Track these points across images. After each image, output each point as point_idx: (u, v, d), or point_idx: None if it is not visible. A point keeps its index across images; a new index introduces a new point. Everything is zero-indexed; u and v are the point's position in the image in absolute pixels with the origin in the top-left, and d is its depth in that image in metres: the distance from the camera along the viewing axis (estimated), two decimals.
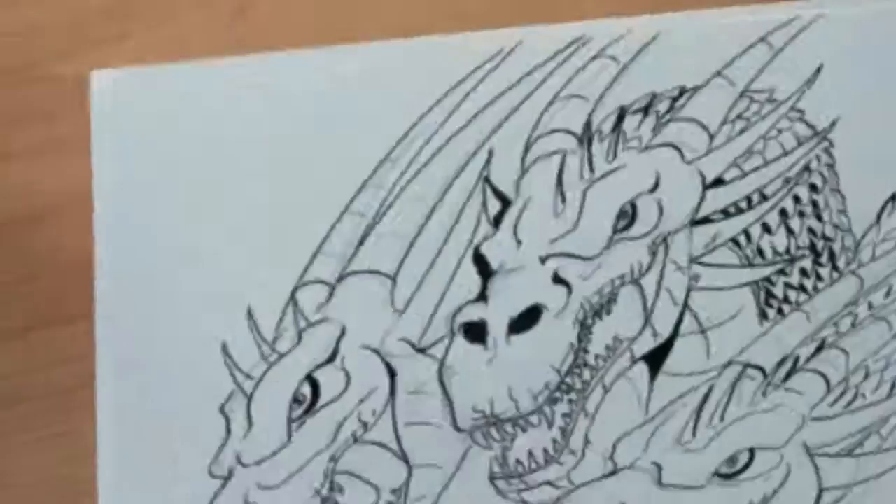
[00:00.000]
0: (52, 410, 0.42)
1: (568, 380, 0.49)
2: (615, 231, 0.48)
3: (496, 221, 0.46)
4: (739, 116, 0.47)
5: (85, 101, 0.40)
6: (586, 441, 0.50)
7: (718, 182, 0.48)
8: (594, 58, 0.45)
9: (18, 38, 0.39)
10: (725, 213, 0.48)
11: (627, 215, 0.47)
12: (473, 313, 0.47)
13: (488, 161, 0.45)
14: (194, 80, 0.40)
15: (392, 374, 0.47)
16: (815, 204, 0.49)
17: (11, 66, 0.39)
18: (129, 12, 0.40)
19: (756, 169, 0.48)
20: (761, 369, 0.50)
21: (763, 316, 0.50)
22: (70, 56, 0.40)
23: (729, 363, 0.50)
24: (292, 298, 0.44)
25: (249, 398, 0.45)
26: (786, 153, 0.48)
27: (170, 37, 0.40)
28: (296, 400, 0.46)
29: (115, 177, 0.41)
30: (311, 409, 0.46)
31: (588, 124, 0.46)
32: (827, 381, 0.52)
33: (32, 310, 0.41)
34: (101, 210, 0.41)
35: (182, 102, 0.40)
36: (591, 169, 0.47)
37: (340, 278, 0.45)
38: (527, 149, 0.45)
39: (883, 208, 0.50)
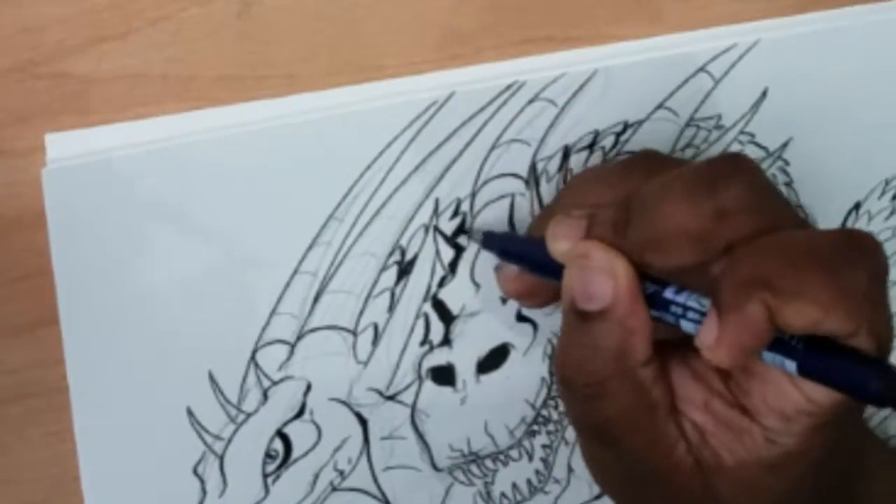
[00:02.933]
0: (61, 406, 0.43)
1: (544, 412, 0.49)
2: None
3: (452, 268, 0.46)
4: (688, 145, 0.47)
5: (86, 100, 0.41)
6: (570, 469, 0.51)
7: None
8: (530, 101, 0.44)
9: (22, 35, 0.39)
10: None
11: None
12: (440, 358, 0.47)
13: (435, 211, 0.45)
14: (144, 163, 0.41)
15: (363, 422, 0.47)
16: None
17: (15, 63, 0.40)
18: (132, 9, 0.40)
19: None
20: None
21: None
22: (74, 53, 0.40)
23: None
24: (252, 360, 0.45)
25: (221, 458, 0.45)
26: None
27: (173, 34, 0.41)
28: (268, 455, 0.46)
29: (73, 253, 0.42)
30: (285, 463, 0.47)
31: (533, 166, 0.46)
32: None
33: (39, 306, 0.42)
34: (61, 283, 0.42)
35: (129, 186, 0.41)
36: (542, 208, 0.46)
37: (300, 336, 0.45)
38: (473, 195, 0.45)
39: (846, 218, 0.50)
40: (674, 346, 0.42)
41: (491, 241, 0.45)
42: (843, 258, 0.39)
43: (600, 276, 0.41)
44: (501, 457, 0.50)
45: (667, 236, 0.40)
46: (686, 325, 0.40)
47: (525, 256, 0.44)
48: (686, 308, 0.41)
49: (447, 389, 0.48)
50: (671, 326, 0.40)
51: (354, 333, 0.45)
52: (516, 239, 0.45)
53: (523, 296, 0.45)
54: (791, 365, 0.38)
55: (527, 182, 0.45)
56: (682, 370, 0.42)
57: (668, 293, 0.41)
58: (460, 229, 0.45)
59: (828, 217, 0.52)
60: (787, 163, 0.49)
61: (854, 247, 0.40)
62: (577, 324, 0.42)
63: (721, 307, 0.39)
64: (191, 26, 0.40)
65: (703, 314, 0.39)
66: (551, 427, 0.50)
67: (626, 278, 0.41)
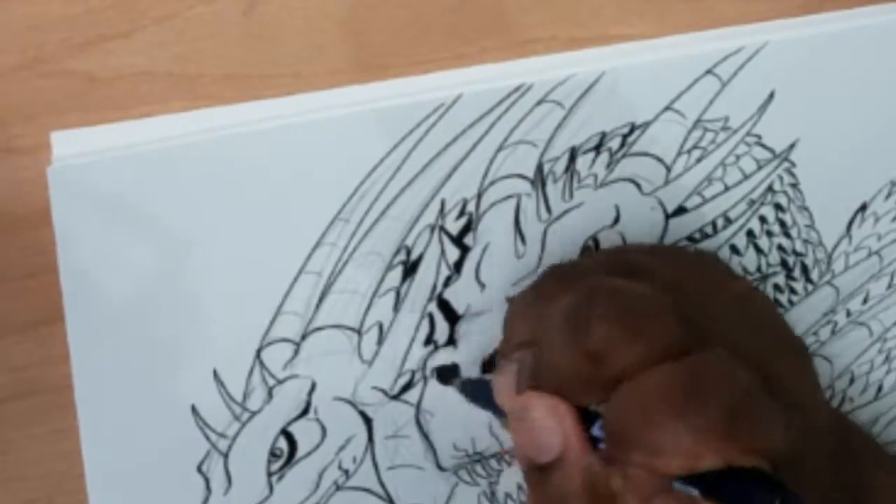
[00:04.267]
0: (66, 403, 0.43)
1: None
2: None
3: (457, 268, 0.46)
4: (695, 146, 0.47)
5: (92, 98, 0.41)
6: None
7: (680, 211, 0.47)
8: (538, 103, 0.44)
9: (28, 33, 0.39)
10: (691, 240, 0.48)
11: (591, 250, 0.47)
12: (444, 358, 0.47)
13: (441, 211, 0.45)
14: (150, 162, 0.41)
15: (368, 421, 0.47)
16: (782, 223, 0.49)
17: (21, 61, 0.39)
18: (138, 7, 0.40)
19: (718, 195, 0.48)
20: None
21: None
22: (80, 51, 0.40)
23: None
24: (257, 358, 0.45)
25: (226, 456, 0.45)
26: (746, 177, 0.48)
27: (179, 32, 0.41)
28: (273, 454, 0.46)
29: (78, 251, 0.42)
30: (289, 462, 0.47)
31: (539, 167, 0.46)
32: None
33: (45, 303, 0.42)
34: (66, 281, 0.42)
35: (135, 184, 0.41)
36: (548, 209, 0.46)
37: (304, 335, 0.45)
38: (479, 196, 0.45)
39: (852, 220, 0.50)
40: None
41: (465, 387, 0.46)
42: (694, 397, 0.39)
43: (545, 428, 0.41)
44: (507, 456, 0.50)
45: (562, 382, 0.41)
46: None
47: (490, 403, 0.44)
48: None
49: (452, 389, 0.48)
50: None
51: (359, 333, 0.45)
52: (485, 385, 0.45)
53: None
54: (695, 491, 0.39)
55: (533, 183, 0.45)
56: None
57: (596, 430, 0.41)
58: (466, 229, 0.45)
59: (833, 218, 0.52)
60: (793, 164, 0.49)
61: (701, 382, 0.39)
62: (538, 478, 0.42)
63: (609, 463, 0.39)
64: (196, 25, 0.40)
65: None
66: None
67: (571, 426, 0.41)
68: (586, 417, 0.41)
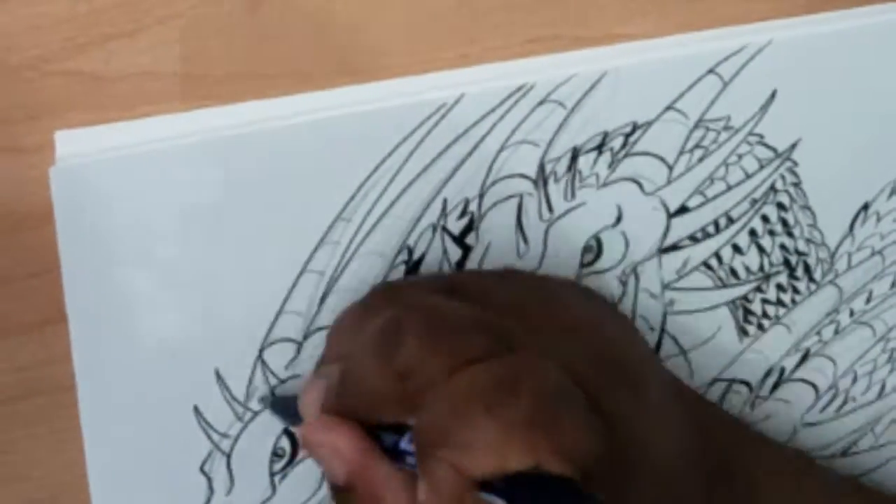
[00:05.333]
0: (69, 403, 0.43)
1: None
2: (582, 266, 0.48)
3: (459, 267, 0.46)
4: (697, 146, 0.47)
5: (96, 97, 0.41)
6: None
7: (683, 210, 0.47)
8: (540, 103, 0.44)
9: (32, 33, 0.39)
10: (693, 239, 0.48)
11: (593, 250, 0.47)
12: None
13: (443, 211, 0.45)
14: (152, 162, 0.41)
15: None
16: (784, 222, 0.49)
17: (25, 60, 0.40)
18: (142, 7, 0.40)
19: (720, 194, 0.48)
20: (746, 383, 0.51)
21: (743, 332, 0.50)
22: (84, 51, 0.40)
23: (714, 381, 0.50)
24: (260, 358, 0.45)
25: (228, 456, 0.45)
26: (749, 176, 0.48)
27: (183, 32, 0.41)
28: (276, 454, 0.46)
29: (81, 251, 0.42)
30: (292, 462, 0.47)
31: (542, 167, 0.46)
32: (815, 389, 0.52)
33: (48, 303, 0.42)
34: (69, 280, 0.42)
35: (137, 184, 0.41)
36: (550, 209, 0.46)
37: (307, 335, 0.45)
38: (481, 195, 0.45)
39: (855, 219, 0.50)
40: None
41: (274, 405, 0.45)
42: (503, 393, 0.38)
43: (328, 458, 0.41)
44: None
45: (370, 400, 0.40)
46: None
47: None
48: None
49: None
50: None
51: None
52: (293, 402, 0.45)
53: None
54: (500, 501, 0.38)
55: (535, 182, 0.45)
56: None
57: (404, 443, 0.40)
58: (468, 229, 0.45)
59: (835, 217, 0.52)
60: (795, 163, 0.49)
61: (512, 377, 0.39)
62: (337, 498, 0.42)
63: (419, 469, 0.38)
64: (200, 24, 0.40)
65: None
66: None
67: (351, 453, 0.40)
68: (397, 431, 0.40)
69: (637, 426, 0.42)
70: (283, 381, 0.45)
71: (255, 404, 0.45)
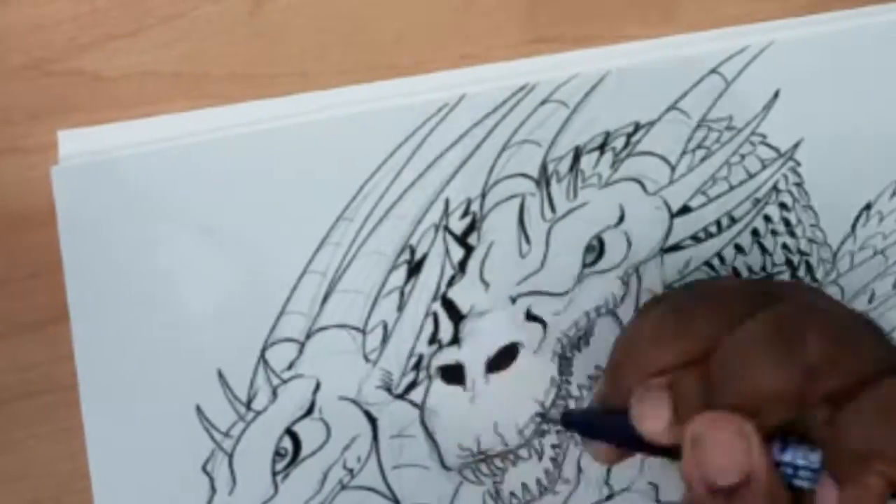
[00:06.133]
0: (72, 402, 0.43)
1: (553, 412, 0.49)
2: (584, 266, 0.48)
3: (461, 267, 0.46)
4: (699, 146, 0.47)
5: (98, 97, 0.41)
6: (579, 469, 0.51)
7: (685, 210, 0.47)
8: (542, 103, 0.44)
9: (34, 33, 0.39)
10: (696, 239, 0.48)
11: (595, 249, 0.47)
12: (448, 357, 0.47)
13: (445, 211, 0.45)
14: (154, 162, 0.41)
15: (372, 420, 0.47)
16: (786, 222, 0.49)
17: (27, 60, 0.40)
18: (144, 6, 0.40)
19: (722, 194, 0.48)
20: None
21: None
22: (86, 51, 0.40)
23: None
24: (262, 358, 0.45)
25: (231, 456, 0.45)
26: (751, 176, 0.48)
27: (185, 31, 0.41)
28: (278, 454, 0.46)
29: (83, 251, 0.42)
30: (294, 461, 0.47)
31: (544, 167, 0.46)
32: None
33: (51, 303, 0.42)
34: (72, 280, 0.42)
35: (140, 184, 0.41)
36: (553, 209, 0.46)
37: (309, 335, 0.45)
38: (483, 195, 0.45)
39: (857, 218, 0.50)
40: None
41: (569, 420, 0.45)
42: None
43: (725, 452, 0.41)
44: (511, 456, 0.50)
45: (759, 402, 0.40)
46: (800, 483, 0.41)
47: (608, 434, 0.44)
48: (796, 467, 0.41)
49: (456, 388, 0.48)
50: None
51: (364, 332, 0.45)
52: (593, 414, 0.45)
53: (618, 460, 0.45)
54: None
55: (537, 182, 0.45)
56: None
57: (776, 453, 0.41)
58: (470, 229, 0.45)
59: (838, 217, 0.52)
60: (798, 163, 0.49)
61: None
62: (720, 502, 0.41)
63: (840, 479, 0.39)
64: (202, 24, 0.40)
65: (814, 471, 0.40)
66: (561, 427, 0.50)
67: (759, 448, 0.41)
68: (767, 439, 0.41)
69: None
70: (285, 381, 0.45)
71: (257, 404, 0.44)
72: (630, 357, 0.45)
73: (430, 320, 0.46)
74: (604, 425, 0.44)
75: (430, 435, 0.48)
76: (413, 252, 0.45)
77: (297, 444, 0.46)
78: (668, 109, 0.46)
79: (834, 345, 0.40)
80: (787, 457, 0.40)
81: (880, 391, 0.39)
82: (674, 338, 0.43)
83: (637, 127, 0.46)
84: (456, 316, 0.47)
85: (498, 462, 0.50)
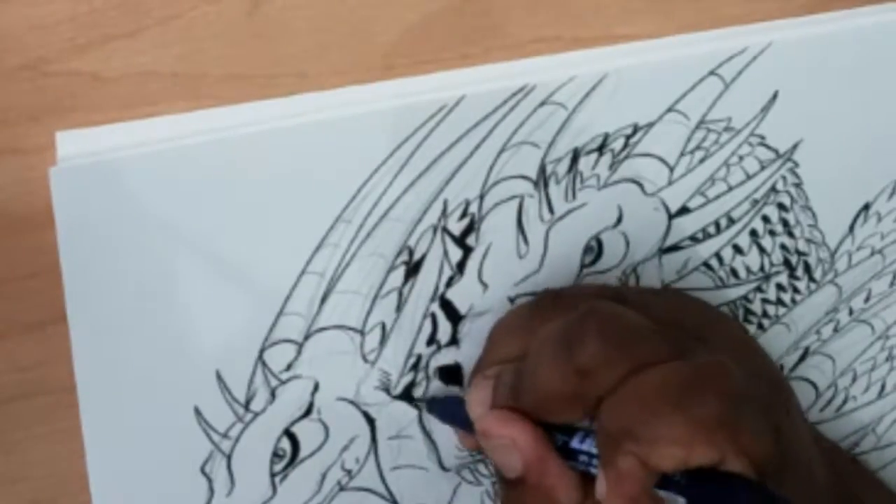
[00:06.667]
0: (70, 404, 0.43)
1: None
2: (583, 266, 0.48)
3: (459, 268, 0.46)
4: (698, 147, 0.47)
5: (97, 98, 0.41)
6: None
7: (683, 211, 0.47)
8: (541, 104, 0.44)
9: (32, 34, 0.39)
10: (694, 240, 0.48)
11: (593, 250, 0.47)
12: (447, 357, 0.47)
13: (444, 212, 0.45)
14: (152, 163, 0.41)
15: (371, 421, 0.47)
16: (785, 222, 0.49)
17: (26, 61, 0.39)
18: (142, 7, 0.40)
19: (721, 195, 0.48)
20: None
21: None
22: (84, 51, 0.40)
23: None
24: (260, 359, 0.45)
25: (229, 457, 0.45)
26: (750, 177, 0.48)
27: (183, 32, 0.41)
28: (276, 455, 0.46)
29: (81, 252, 0.42)
30: (292, 463, 0.47)
31: (542, 168, 0.46)
32: (815, 387, 0.52)
33: (49, 304, 0.42)
34: (69, 281, 0.42)
35: (138, 185, 0.41)
36: (551, 210, 0.46)
37: (307, 336, 0.45)
38: (482, 196, 0.45)
39: (855, 219, 0.50)
40: None
41: (433, 406, 0.46)
42: (692, 391, 0.40)
43: (505, 450, 0.42)
44: None
45: (546, 399, 0.42)
46: (594, 471, 0.41)
47: (461, 420, 0.44)
48: (591, 455, 0.42)
49: (455, 389, 0.48)
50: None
51: (362, 333, 0.45)
52: (451, 400, 0.46)
53: (477, 447, 0.46)
54: (682, 501, 0.39)
55: (536, 184, 0.45)
56: None
57: (575, 442, 0.42)
58: (468, 230, 0.45)
59: (836, 217, 0.52)
60: (796, 164, 0.49)
61: (702, 377, 0.40)
62: (507, 491, 0.43)
63: (601, 463, 0.40)
64: (200, 25, 0.40)
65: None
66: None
67: (528, 445, 0.42)
68: (566, 432, 0.42)
69: (791, 443, 0.43)
70: (283, 382, 0.45)
71: (255, 405, 0.44)
72: (488, 343, 0.47)
73: (428, 321, 0.46)
74: (455, 412, 0.44)
75: (428, 435, 0.48)
76: (411, 253, 0.45)
77: (295, 445, 0.46)
78: (667, 111, 0.46)
79: (606, 350, 0.41)
80: (586, 445, 0.42)
81: (640, 377, 0.40)
82: (521, 331, 0.45)
83: (636, 128, 0.46)
84: (454, 317, 0.47)
85: None
